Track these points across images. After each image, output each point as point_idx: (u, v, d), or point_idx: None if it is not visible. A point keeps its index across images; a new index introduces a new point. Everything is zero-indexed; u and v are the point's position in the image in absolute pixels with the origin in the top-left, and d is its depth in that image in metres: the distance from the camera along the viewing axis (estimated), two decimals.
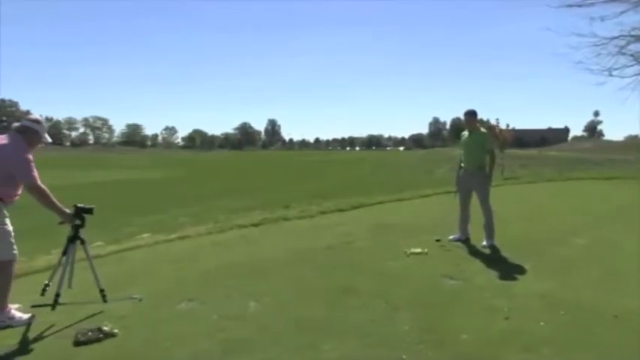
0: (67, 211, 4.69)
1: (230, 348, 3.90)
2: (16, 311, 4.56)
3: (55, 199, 4.60)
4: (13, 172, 4.45)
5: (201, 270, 6.14)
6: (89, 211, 4.78)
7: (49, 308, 4.58)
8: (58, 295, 4.57)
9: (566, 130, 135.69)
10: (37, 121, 4.74)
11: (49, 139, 4.89)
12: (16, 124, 4.70)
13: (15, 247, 4.54)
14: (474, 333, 4.12)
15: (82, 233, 4.80)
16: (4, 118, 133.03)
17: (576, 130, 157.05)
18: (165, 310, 4.76)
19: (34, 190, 4.49)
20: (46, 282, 4.84)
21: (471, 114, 7.48)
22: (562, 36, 25.17)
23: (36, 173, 4.53)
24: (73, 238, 4.75)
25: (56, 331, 4.29)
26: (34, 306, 4.69)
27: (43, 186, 4.53)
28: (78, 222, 4.74)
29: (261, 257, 6.71)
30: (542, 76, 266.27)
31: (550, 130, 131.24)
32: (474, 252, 6.97)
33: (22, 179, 4.49)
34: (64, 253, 4.75)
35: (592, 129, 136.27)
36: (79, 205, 4.75)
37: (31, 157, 4.55)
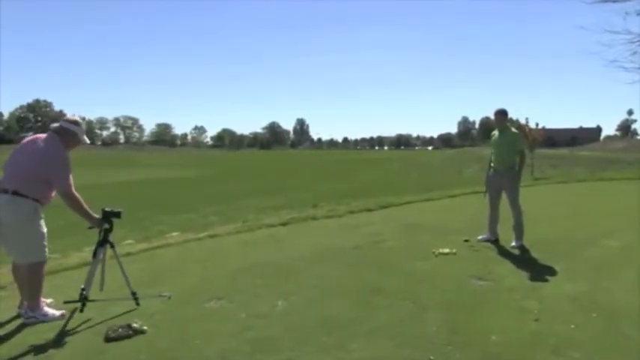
0: (96, 216, 4.77)
1: (258, 346, 3.93)
2: (49, 308, 4.67)
3: (85, 205, 4.68)
4: (50, 176, 4.55)
5: (230, 269, 6.20)
6: (117, 214, 4.84)
7: (80, 305, 4.69)
8: (86, 298, 4.65)
9: (599, 129, 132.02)
10: (75, 123, 4.83)
11: (88, 141, 5.00)
12: (54, 125, 4.79)
13: (47, 249, 4.64)
14: (503, 334, 4.08)
15: (111, 237, 4.87)
16: (39, 118, 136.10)
17: (609, 130, 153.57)
18: (194, 308, 4.82)
19: (66, 197, 4.59)
20: (82, 287, 4.89)
21: (502, 113, 7.40)
22: (595, 33, 24.66)
23: (71, 180, 4.61)
24: (103, 242, 4.82)
25: (88, 327, 4.39)
26: (66, 302, 4.80)
27: (75, 193, 4.61)
28: (106, 226, 4.81)
29: (290, 256, 6.75)
30: (573, 74, 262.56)
31: (581, 129, 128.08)
32: (503, 253, 6.89)
33: (57, 185, 4.59)
34: (94, 256, 4.83)
35: (625, 128, 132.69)
36: (107, 209, 4.81)
37: (68, 161, 4.64)
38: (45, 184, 4.54)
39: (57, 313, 4.62)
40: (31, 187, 4.46)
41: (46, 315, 4.57)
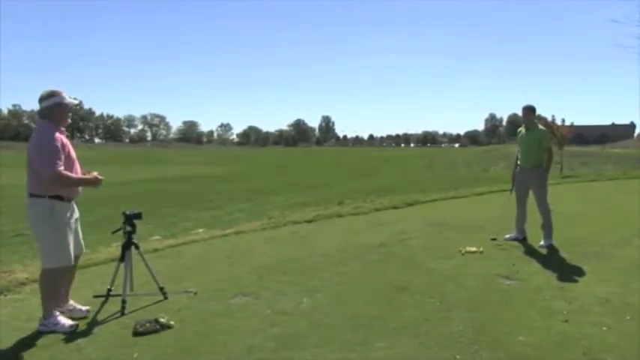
0: (88, 176, 4.49)
1: (283, 343, 3.93)
2: (62, 317, 4.41)
3: (76, 176, 4.37)
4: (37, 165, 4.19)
5: (255, 265, 6.22)
6: (138, 216, 4.89)
7: (109, 299, 4.81)
8: (120, 300, 4.68)
9: (632, 125, 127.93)
10: (51, 95, 4.35)
11: (74, 101, 4.64)
12: (36, 112, 4.57)
13: (61, 255, 4.40)
14: (531, 335, 4.01)
15: (135, 238, 4.92)
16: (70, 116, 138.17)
17: None
18: (220, 304, 4.85)
19: (56, 179, 4.16)
20: (109, 287, 4.96)
21: (530, 109, 7.30)
22: (628, 27, 24.20)
23: (58, 162, 4.15)
24: (128, 245, 4.86)
25: (116, 321, 4.46)
26: (95, 296, 4.89)
27: (64, 172, 4.18)
28: (129, 229, 4.85)
29: (315, 253, 6.74)
30: (605, 70, 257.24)
31: (614, 126, 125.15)
32: (531, 252, 6.79)
33: (43, 172, 4.14)
34: (122, 260, 4.84)
35: None
36: (128, 212, 4.86)
37: (52, 145, 4.16)
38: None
39: (67, 323, 4.31)
40: (44, 184, 4.19)
41: (57, 324, 4.28)
